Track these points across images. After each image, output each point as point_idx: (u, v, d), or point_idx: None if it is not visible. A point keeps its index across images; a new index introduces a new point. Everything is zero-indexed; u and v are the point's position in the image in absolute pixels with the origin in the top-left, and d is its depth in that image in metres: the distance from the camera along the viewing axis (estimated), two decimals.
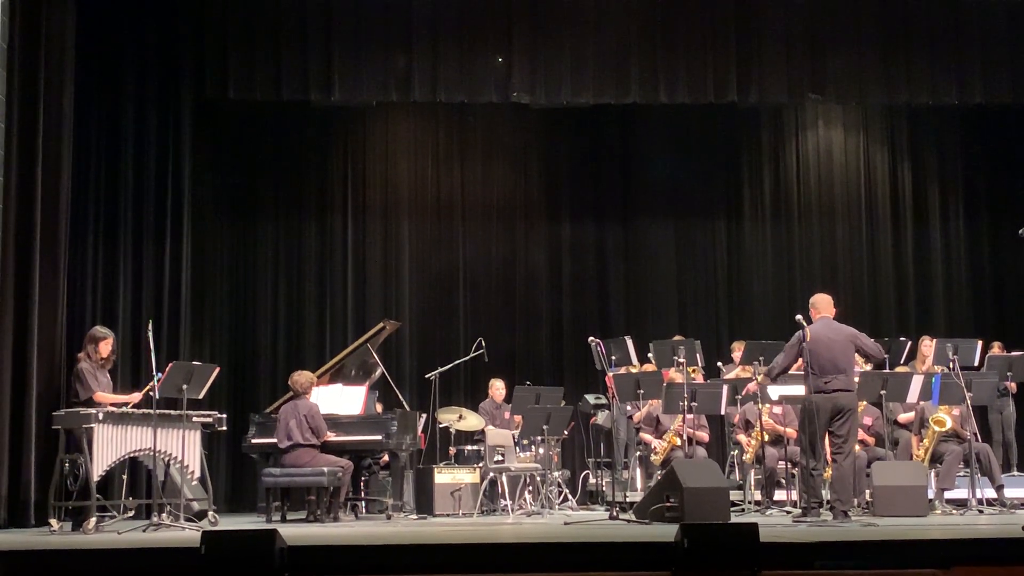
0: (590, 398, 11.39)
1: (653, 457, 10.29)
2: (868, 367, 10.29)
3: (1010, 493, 9.78)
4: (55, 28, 9.47)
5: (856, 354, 8.74)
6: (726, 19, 11.59)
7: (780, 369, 8.73)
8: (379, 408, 10.52)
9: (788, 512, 9.11)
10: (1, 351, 8.76)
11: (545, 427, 9.81)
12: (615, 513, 8.85)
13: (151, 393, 8.34)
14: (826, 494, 8.79)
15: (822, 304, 8.74)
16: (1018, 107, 12.26)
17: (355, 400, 10.09)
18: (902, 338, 11.01)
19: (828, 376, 8.38)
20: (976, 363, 10.21)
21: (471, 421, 10.75)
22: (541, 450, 10.28)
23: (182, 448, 8.59)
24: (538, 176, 13.54)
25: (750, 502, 9.82)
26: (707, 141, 13.55)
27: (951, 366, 9.76)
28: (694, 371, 10.47)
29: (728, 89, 11.58)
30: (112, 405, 8.44)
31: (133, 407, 8.49)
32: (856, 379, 9.33)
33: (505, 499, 9.92)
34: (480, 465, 10.19)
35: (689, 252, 13.56)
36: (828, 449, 8.52)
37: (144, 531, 7.86)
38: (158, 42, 11.02)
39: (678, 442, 10.09)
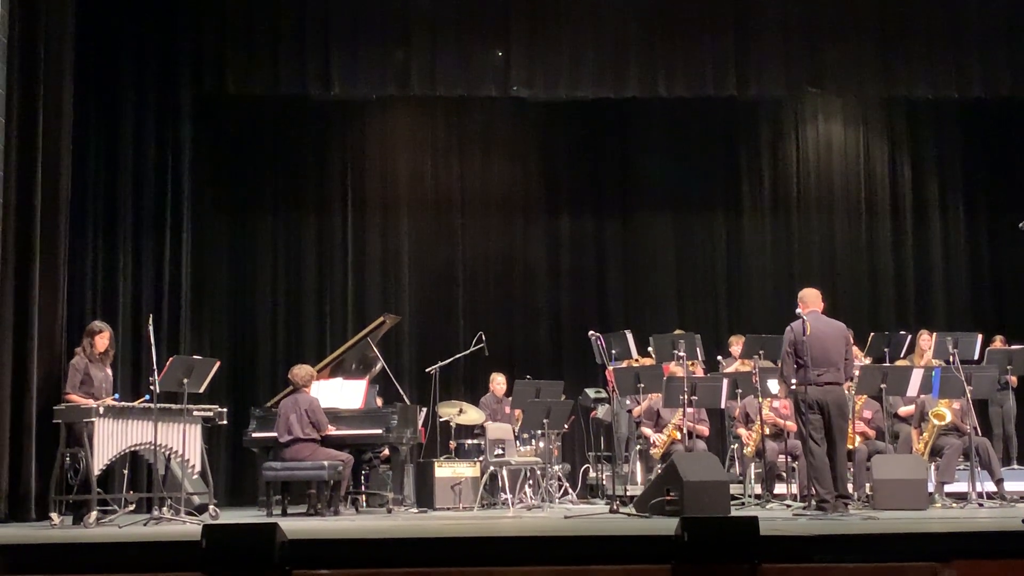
0: (590, 392, 11.38)
1: (653, 451, 10.29)
2: (867, 360, 10.30)
3: (1010, 487, 9.79)
4: (54, 22, 9.46)
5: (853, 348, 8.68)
6: (724, 12, 11.59)
7: (791, 371, 8.43)
8: (379, 402, 10.54)
9: (788, 506, 9.11)
10: (1, 345, 8.76)
11: (545, 421, 9.80)
12: (615, 507, 8.86)
13: (152, 388, 8.33)
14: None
15: (811, 298, 8.54)
16: (1017, 100, 12.25)
17: (355, 394, 10.08)
18: (901, 332, 11.00)
19: (820, 368, 8.24)
20: (976, 357, 10.20)
21: (471, 415, 10.74)
22: (541, 444, 10.28)
23: (183, 442, 8.59)
24: (537, 170, 13.53)
25: (750, 496, 9.83)
26: (706, 135, 13.55)
27: (951, 360, 9.76)
28: (694, 365, 10.46)
29: (727, 83, 11.59)
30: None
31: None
32: (856, 372, 9.30)
33: (505, 493, 9.92)
34: (480, 459, 10.20)
35: (688, 246, 13.55)
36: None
37: (145, 525, 7.87)
38: (157, 36, 11.06)
39: (678, 436, 10.09)
